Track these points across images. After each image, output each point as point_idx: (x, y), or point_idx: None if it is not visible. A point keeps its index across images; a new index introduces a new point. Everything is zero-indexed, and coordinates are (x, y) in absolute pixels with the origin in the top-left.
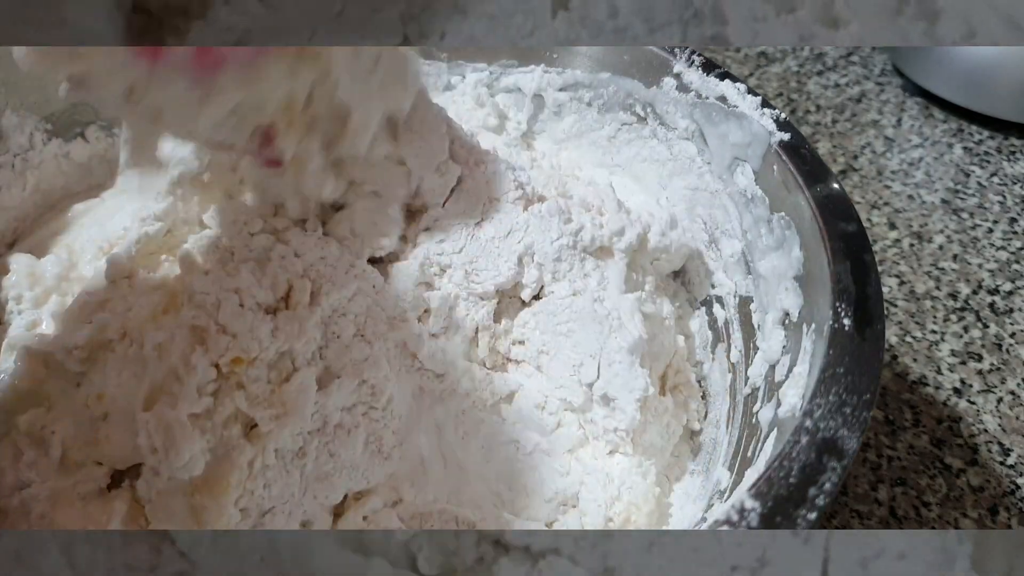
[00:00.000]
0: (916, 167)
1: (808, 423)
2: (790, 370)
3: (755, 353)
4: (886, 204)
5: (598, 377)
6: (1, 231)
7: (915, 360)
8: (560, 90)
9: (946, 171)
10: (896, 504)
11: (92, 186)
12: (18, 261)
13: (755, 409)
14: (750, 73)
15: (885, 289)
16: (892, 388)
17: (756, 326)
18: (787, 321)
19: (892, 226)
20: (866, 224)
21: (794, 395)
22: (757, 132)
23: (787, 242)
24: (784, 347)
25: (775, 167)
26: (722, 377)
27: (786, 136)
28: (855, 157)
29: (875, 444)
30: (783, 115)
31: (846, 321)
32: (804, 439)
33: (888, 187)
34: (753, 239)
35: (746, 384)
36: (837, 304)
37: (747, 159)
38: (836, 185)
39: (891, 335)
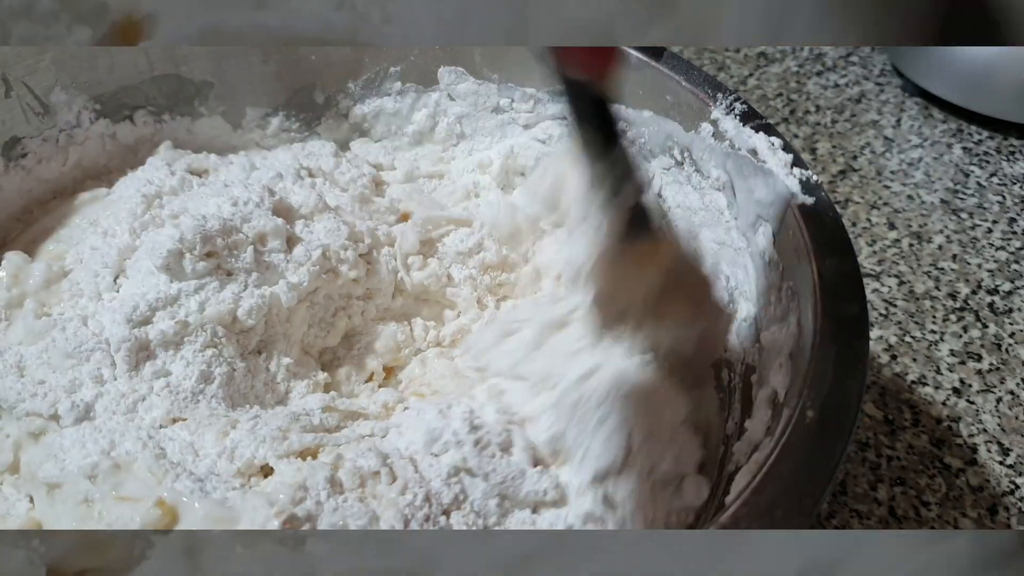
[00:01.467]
0: (916, 167)
1: (727, 520)
2: (750, 456)
3: (745, 430)
4: (886, 204)
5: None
6: (39, 197)
7: (914, 360)
8: None
9: (946, 171)
10: (896, 504)
11: (133, 167)
12: (10, 260)
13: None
14: (750, 73)
15: (884, 289)
16: (891, 388)
17: (752, 400)
18: (775, 401)
19: (892, 226)
20: (865, 224)
21: (742, 485)
22: (780, 191)
23: (790, 314)
24: (768, 428)
25: (791, 232)
26: (715, 450)
27: (809, 200)
28: (855, 157)
29: (874, 444)
30: (813, 177)
31: (810, 412)
32: None
33: (888, 187)
34: (764, 305)
35: (730, 461)
36: (805, 392)
37: (769, 219)
38: (850, 258)
39: (891, 335)
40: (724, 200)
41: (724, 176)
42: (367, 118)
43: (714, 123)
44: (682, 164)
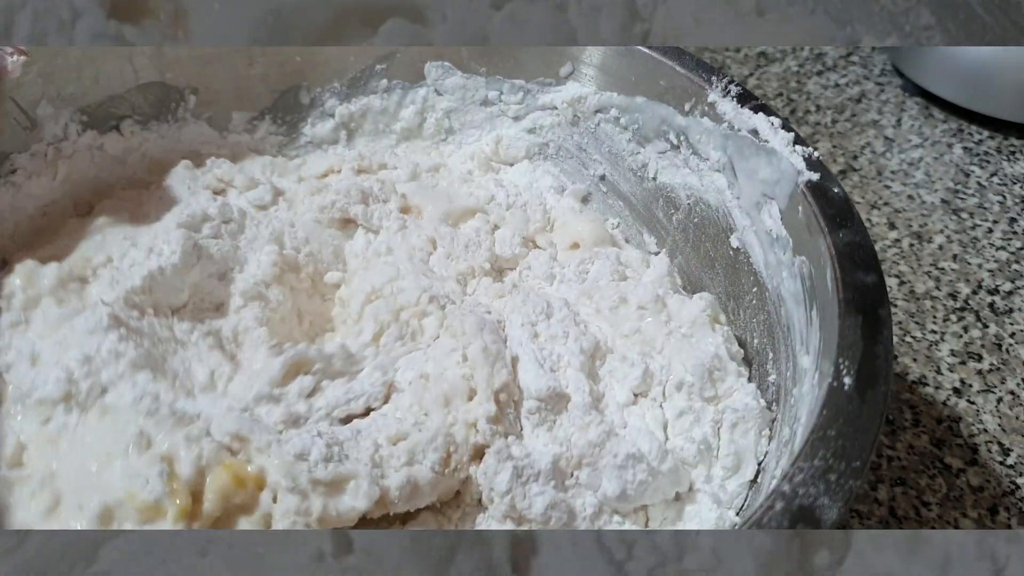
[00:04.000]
0: (916, 167)
1: (786, 487)
2: (794, 430)
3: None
4: (886, 204)
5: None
6: (30, 214)
7: (915, 360)
8: (596, 111)
9: (946, 171)
10: (896, 504)
11: (123, 177)
12: (23, 265)
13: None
14: (750, 73)
15: None
16: (892, 388)
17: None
18: (795, 371)
19: (892, 226)
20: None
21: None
22: (786, 170)
23: (805, 287)
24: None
25: (800, 208)
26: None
27: (815, 176)
28: (855, 157)
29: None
30: (815, 154)
31: (847, 380)
32: (779, 505)
33: (888, 187)
34: (777, 282)
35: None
36: (840, 360)
37: (775, 197)
38: (862, 231)
39: None
40: (724, 181)
41: (724, 158)
42: (354, 117)
43: (711, 106)
44: (678, 147)
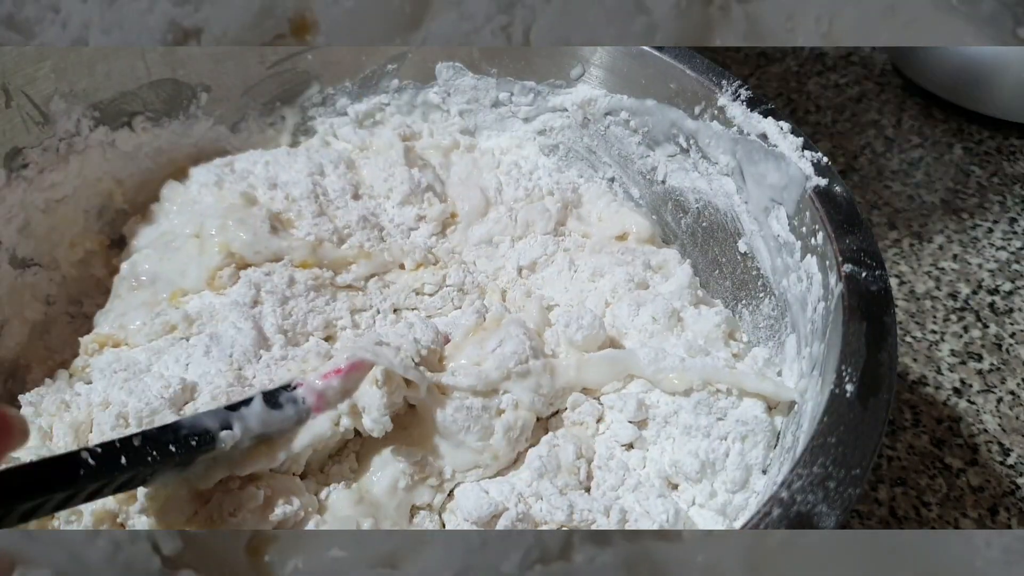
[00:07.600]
0: (916, 167)
1: (784, 494)
2: (796, 436)
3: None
4: (886, 204)
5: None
6: (41, 208)
7: (915, 360)
8: (606, 114)
9: (946, 171)
10: (896, 504)
11: (133, 173)
12: None
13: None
14: (750, 73)
15: None
16: (894, 396)
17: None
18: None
19: (892, 226)
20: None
21: (792, 459)
22: (794, 175)
23: (811, 293)
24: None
25: (808, 213)
26: None
27: (823, 181)
28: (855, 157)
29: None
30: (824, 159)
31: (849, 387)
32: (776, 511)
33: (888, 187)
34: (784, 287)
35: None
36: (842, 367)
37: (783, 202)
38: (869, 237)
39: None
40: (733, 185)
41: (733, 162)
42: (365, 116)
43: (721, 109)
44: (688, 151)
